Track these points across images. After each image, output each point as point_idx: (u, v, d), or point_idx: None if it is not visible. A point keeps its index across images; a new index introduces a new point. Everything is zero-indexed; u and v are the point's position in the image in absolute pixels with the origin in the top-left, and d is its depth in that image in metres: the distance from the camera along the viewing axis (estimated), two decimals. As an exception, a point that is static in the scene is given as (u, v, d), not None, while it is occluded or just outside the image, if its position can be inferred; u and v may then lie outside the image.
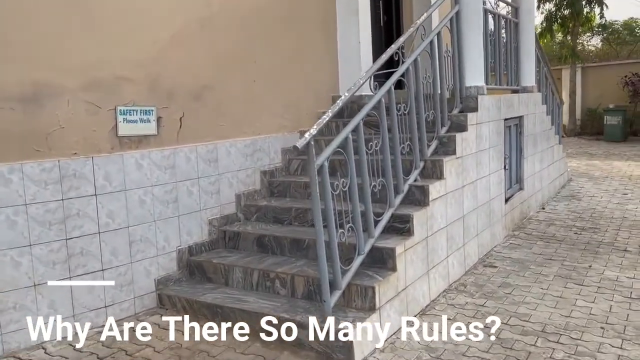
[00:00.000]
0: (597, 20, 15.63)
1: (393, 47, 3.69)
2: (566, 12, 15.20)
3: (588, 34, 19.52)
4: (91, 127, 3.38)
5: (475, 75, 4.72)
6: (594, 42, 20.67)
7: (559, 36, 17.66)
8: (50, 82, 3.18)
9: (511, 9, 6.20)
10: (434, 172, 4.07)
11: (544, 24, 15.58)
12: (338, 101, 3.19)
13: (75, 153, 3.31)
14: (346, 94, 3.25)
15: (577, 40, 16.91)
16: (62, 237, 3.26)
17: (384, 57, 3.60)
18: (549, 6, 15.51)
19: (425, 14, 4.12)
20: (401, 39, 3.78)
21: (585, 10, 15.14)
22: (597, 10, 15.16)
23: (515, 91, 6.09)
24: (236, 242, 4.10)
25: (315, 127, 2.99)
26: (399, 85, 4.05)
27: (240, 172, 4.41)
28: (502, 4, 5.88)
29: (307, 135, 2.90)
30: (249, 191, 4.48)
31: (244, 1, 4.40)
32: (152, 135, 3.72)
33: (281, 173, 4.80)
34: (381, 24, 6.55)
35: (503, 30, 5.84)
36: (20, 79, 3.06)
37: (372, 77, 3.50)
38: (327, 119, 3.08)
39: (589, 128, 15.98)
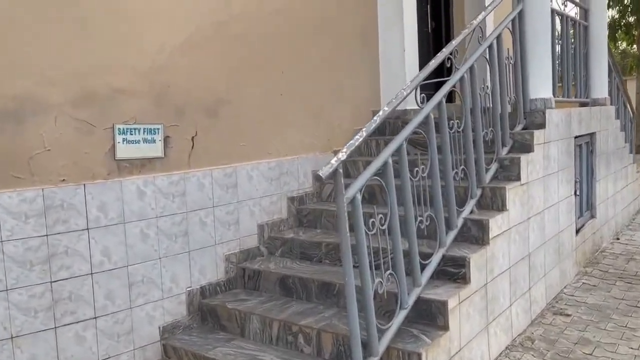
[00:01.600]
0: (666, 27, 14.35)
1: (445, 51, 3.04)
2: (631, 19, 14.03)
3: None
4: (83, 149, 2.87)
5: (541, 85, 3.99)
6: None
7: (623, 45, 16.42)
8: (34, 96, 2.69)
9: (579, 10, 5.42)
10: (494, 202, 3.35)
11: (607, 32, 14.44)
12: (375, 117, 2.56)
13: (64, 180, 2.80)
14: (385, 109, 2.62)
15: (642, 50, 15.61)
16: (46, 279, 2.74)
17: (434, 63, 2.96)
18: (612, 13, 14.37)
19: (482, 13, 3.45)
20: (454, 42, 3.12)
21: (653, 16, 13.92)
22: (665, 16, 13.91)
23: (584, 104, 5.29)
24: (257, 281, 3.50)
25: (345, 150, 2.36)
26: (449, 98, 3.40)
27: (264, 199, 3.82)
28: (569, 4, 5.11)
29: (333, 161, 2.28)
30: (274, 221, 3.88)
31: (270, 2, 3.84)
32: (158, 158, 3.18)
33: (312, 199, 4.19)
34: (429, 30, 5.89)
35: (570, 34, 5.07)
36: (-2, 93, 2.59)
37: (419, 88, 2.86)
38: (360, 139, 2.44)
39: (657, 144, 14.63)
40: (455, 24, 6.17)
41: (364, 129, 2.48)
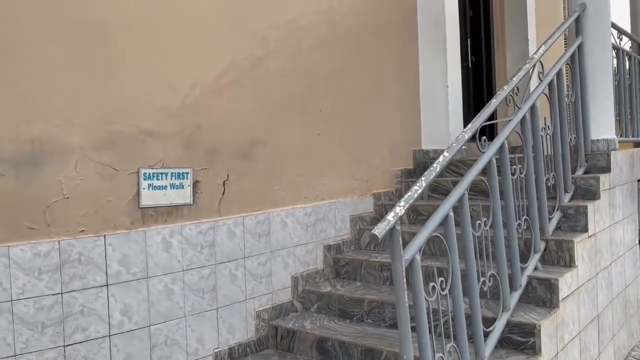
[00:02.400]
0: None
1: (506, 89, 2.71)
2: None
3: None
4: (105, 196, 2.60)
5: (604, 125, 3.64)
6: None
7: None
8: (54, 139, 2.44)
9: (632, 44, 5.07)
10: (560, 257, 2.97)
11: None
12: (435, 164, 2.23)
13: (82, 230, 2.52)
14: (446, 154, 2.29)
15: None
16: (59, 343, 2.44)
17: (495, 102, 2.64)
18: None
19: (543, 47, 3.13)
20: (515, 79, 2.80)
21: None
22: None
23: (638, 144, 4.88)
24: (290, 342, 3.14)
25: (402, 203, 2.03)
26: (491, 136, 3.01)
27: (299, 248, 3.49)
28: (624, 38, 4.77)
29: (390, 217, 1.95)
30: (309, 272, 3.54)
31: (306, 38, 3.60)
32: (186, 205, 2.90)
33: (349, 247, 3.84)
34: (469, 65, 5.60)
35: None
36: (14, 135, 2.34)
37: (467, 129, 2.53)
38: (419, 190, 2.11)
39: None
40: (496, 58, 5.87)
41: (423, 178, 2.15)
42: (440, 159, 2.27)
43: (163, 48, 2.82)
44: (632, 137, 4.74)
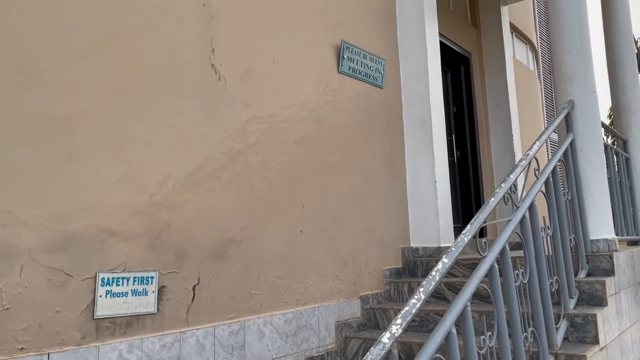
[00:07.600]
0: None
1: (504, 187, 2.52)
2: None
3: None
4: (53, 307, 2.25)
5: (602, 225, 3.45)
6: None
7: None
8: (-2, 240, 2.14)
9: (618, 141, 5.05)
10: (571, 374, 2.63)
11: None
12: (433, 272, 1.96)
13: (22, 348, 2.15)
14: (445, 260, 2.03)
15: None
16: None
17: (494, 201, 2.43)
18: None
19: (537, 143, 2.99)
20: (512, 177, 2.62)
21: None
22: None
23: (634, 242, 4.70)
24: None
25: (399, 321, 1.73)
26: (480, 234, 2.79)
27: (278, 362, 3.10)
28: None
29: (385, 338, 1.65)
30: (289, 390, 3.13)
31: (289, 132, 3.44)
32: (149, 314, 2.54)
33: (335, 359, 3.45)
34: (454, 160, 5.51)
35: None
36: (-50, 236, 2.04)
37: (466, 232, 2.29)
38: (418, 304, 1.82)
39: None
40: (481, 152, 5.81)
41: (421, 290, 1.87)
42: (439, 265, 2.00)
43: (131, 141, 2.60)
44: (628, 235, 4.57)
